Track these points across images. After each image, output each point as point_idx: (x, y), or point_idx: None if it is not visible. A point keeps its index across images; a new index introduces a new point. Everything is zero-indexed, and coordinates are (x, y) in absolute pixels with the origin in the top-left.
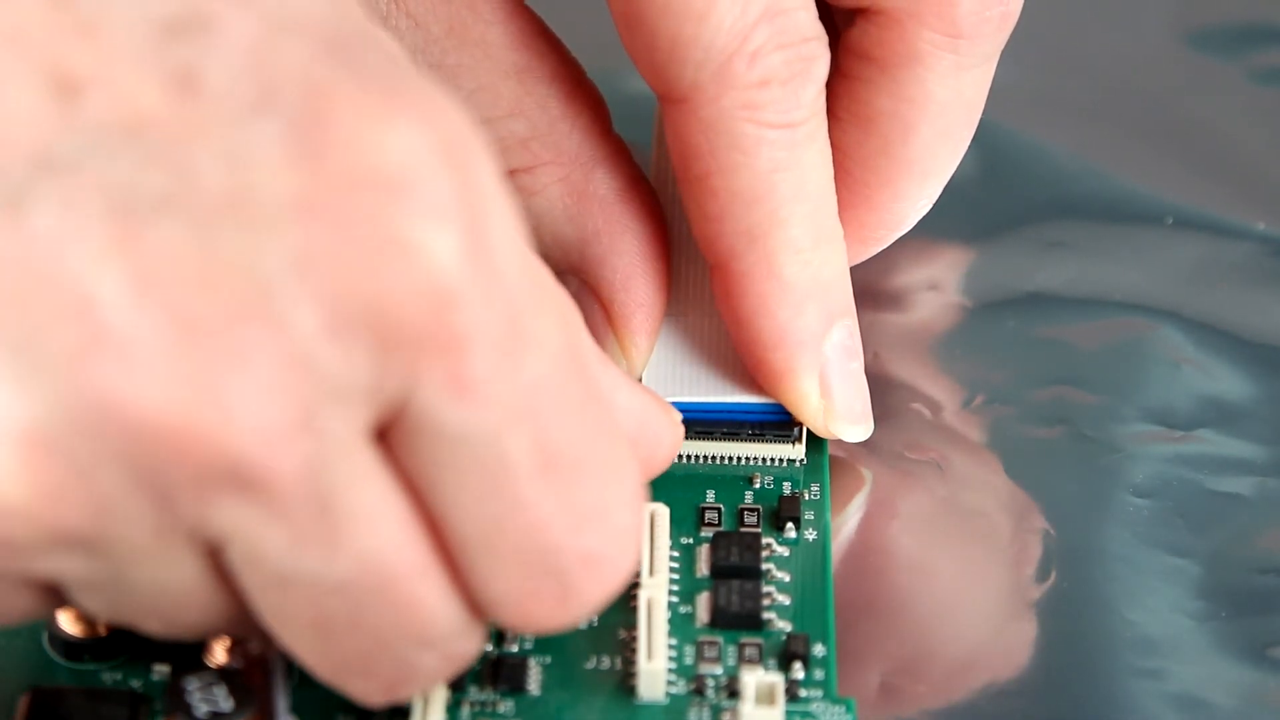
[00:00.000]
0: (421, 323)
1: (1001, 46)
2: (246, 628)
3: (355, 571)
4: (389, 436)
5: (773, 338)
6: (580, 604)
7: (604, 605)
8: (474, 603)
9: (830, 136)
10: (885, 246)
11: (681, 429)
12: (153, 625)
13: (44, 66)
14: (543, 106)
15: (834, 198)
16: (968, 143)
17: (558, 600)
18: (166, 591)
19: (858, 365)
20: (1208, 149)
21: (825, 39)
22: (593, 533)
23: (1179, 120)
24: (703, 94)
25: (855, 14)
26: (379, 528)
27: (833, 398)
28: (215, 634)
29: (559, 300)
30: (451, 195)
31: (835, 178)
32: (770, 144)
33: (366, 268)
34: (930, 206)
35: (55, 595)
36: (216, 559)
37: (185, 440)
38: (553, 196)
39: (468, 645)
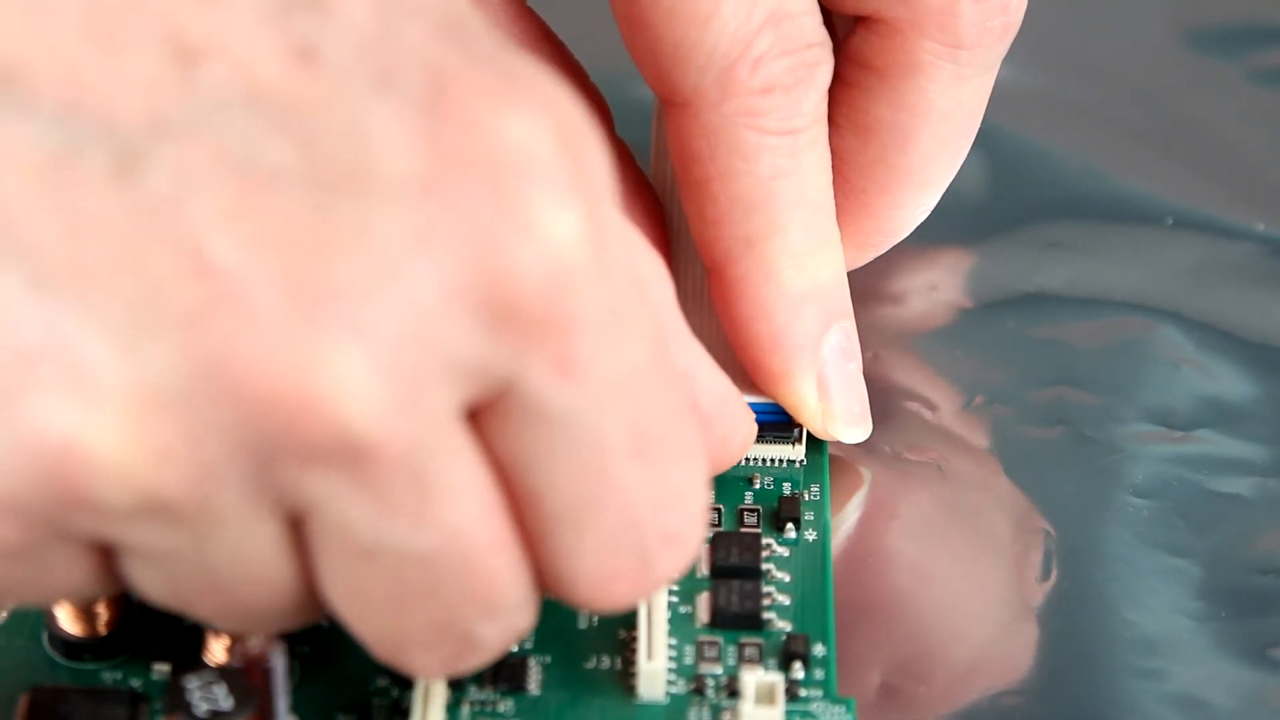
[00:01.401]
0: (539, 302)
1: (1002, 56)
2: (304, 608)
3: (439, 545)
4: (483, 411)
5: (770, 341)
6: (655, 582)
7: (673, 583)
8: (551, 579)
9: (829, 143)
10: (882, 253)
11: (754, 425)
12: (207, 606)
13: (164, 31)
14: None
15: (832, 203)
16: (967, 151)
17: (635, 578)
18: (237, 564)
19: (856, 367)
20: (1207, 149)
21: (829, 44)
22: (674, 513)
23: (1178, 120)
24: (705, 99)
25: (856, 22)
26: (466, 502)
27: (831, 400)
28: (271, 617)
29: (656, 280)
30: (570, 179)
31: (834, 184)
32: (771, 151)
33: (488, 246)
34: (928, 214)
35: (110, 572)
36: (296, 529)
37: (298, 410)
38: None
39: (526, 619)
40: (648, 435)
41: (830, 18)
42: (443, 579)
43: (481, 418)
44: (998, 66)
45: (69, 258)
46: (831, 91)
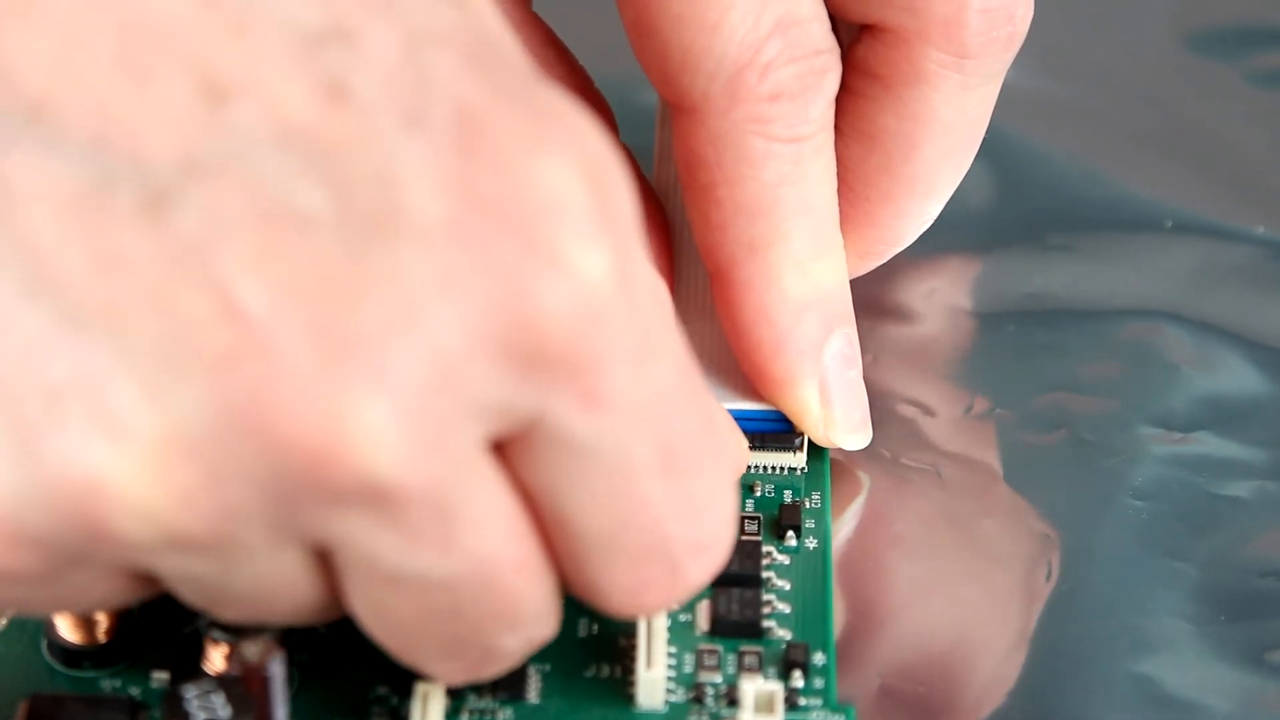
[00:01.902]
0: (566, 344)
1: (1008, 66)
2: (330, 611)
3: (464, 571)
4: (511, 442)
5: (773, 346)
6: (687, 589)
7: (705, 588)
8: (582, 591)
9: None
10: (883, 262)
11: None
12: (233, 613)
13: (194, 67)
14: None
15: (836, 210)
16: (970, 160)
17: (667, 586)
18: (263, 587)
19: (856, 374)
20: (1207, 152)
21: (837, 51)
22: (703, 522)
23: (1178, 124)
24: (713, 105)
25: (860, 30)
26: (490, 529)
27: (832, 406)
28: (297, 619)
29: (667, 299)
30: (599, 220)
31: (837, 191)
32: (778, 158)
33: (517, 289)
34: (930, 222)
35: (147, 583)
36: (322, 557)
37: (324, 458)
38: None
39: (549, 629)
40: (675, 452)
41: (835, 26)
42: (467, 600)
43: (509, 448)
44: (1002, 76)
45: (98, 295)
46: (836, 99)
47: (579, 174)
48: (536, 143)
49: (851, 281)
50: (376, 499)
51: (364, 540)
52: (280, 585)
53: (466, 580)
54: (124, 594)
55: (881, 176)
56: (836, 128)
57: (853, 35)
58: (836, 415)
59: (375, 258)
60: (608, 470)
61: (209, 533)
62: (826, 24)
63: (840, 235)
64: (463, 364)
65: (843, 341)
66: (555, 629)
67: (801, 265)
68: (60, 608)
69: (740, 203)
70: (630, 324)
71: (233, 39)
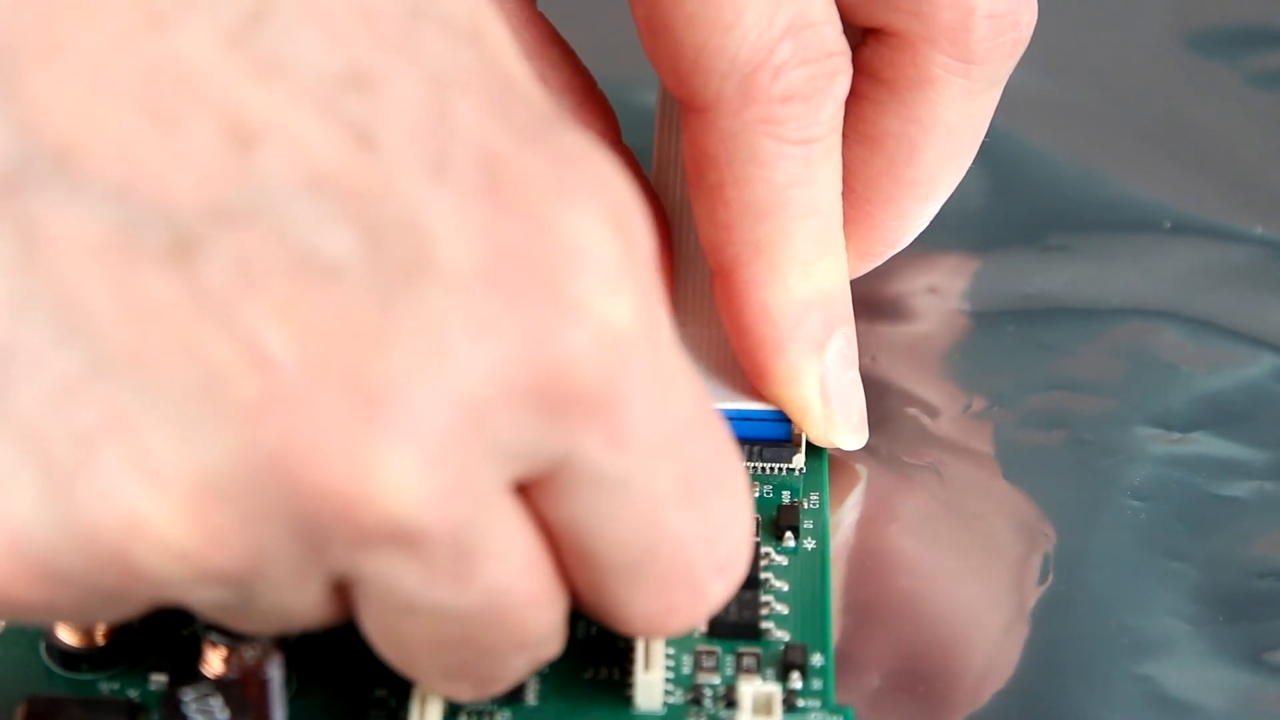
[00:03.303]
0: (591, 388)
1: (1011, 70)
2: (339, 623)
3: (481, 604)
4: (534, 483)
5: (775, 344)
6: (710, 607)
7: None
8: (604, 617)
9: None
10: (881, 263)
11: None
12: (249, 630)
13: (220, 111)
14: None
15: (840, 211)
16: (969, 163)
17: (691, 608)
18: (285, 612)
19: (855, 374)
20: (1206, 152)
21: (848, 53)
22: (724, 543)
23: (1177, 124)
24: (725, 105)
25: (866, 33)
26: (507, 565)
27: (831, 406)
28: (309, 629)
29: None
30: (623, 267)
31: None
32: (788, 159)
33: (543, 337)
34: (928, 223)
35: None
36: (341, 587)
37: (353, 505)
38: None
39: (555, 649)
40: (695, 480)
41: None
42: (478, 630)
43: (532, 487)
44: (1005, 80)
45: (128, 341)
46: None
47: (603, 221)
48: (561, 189)
49: (853, 281)
50: (402, 541)
51: (385, 578)
52: (300, 610)
53: (480, 613)
54: (142, 612)
55: (883, 179)
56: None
57: (857, 38)
58: (835, 415)
59: (403, 305)
60: (633, 504)
61: (238, 571)
62: (839, 26)
63: (843, 237)
64: (489, 410)
65: (843, 342)
66: (561, 648)
67: (806, 265)
68: (80, 624)
69: (748, 202)
70: (652, 364)
71: (258, 83)
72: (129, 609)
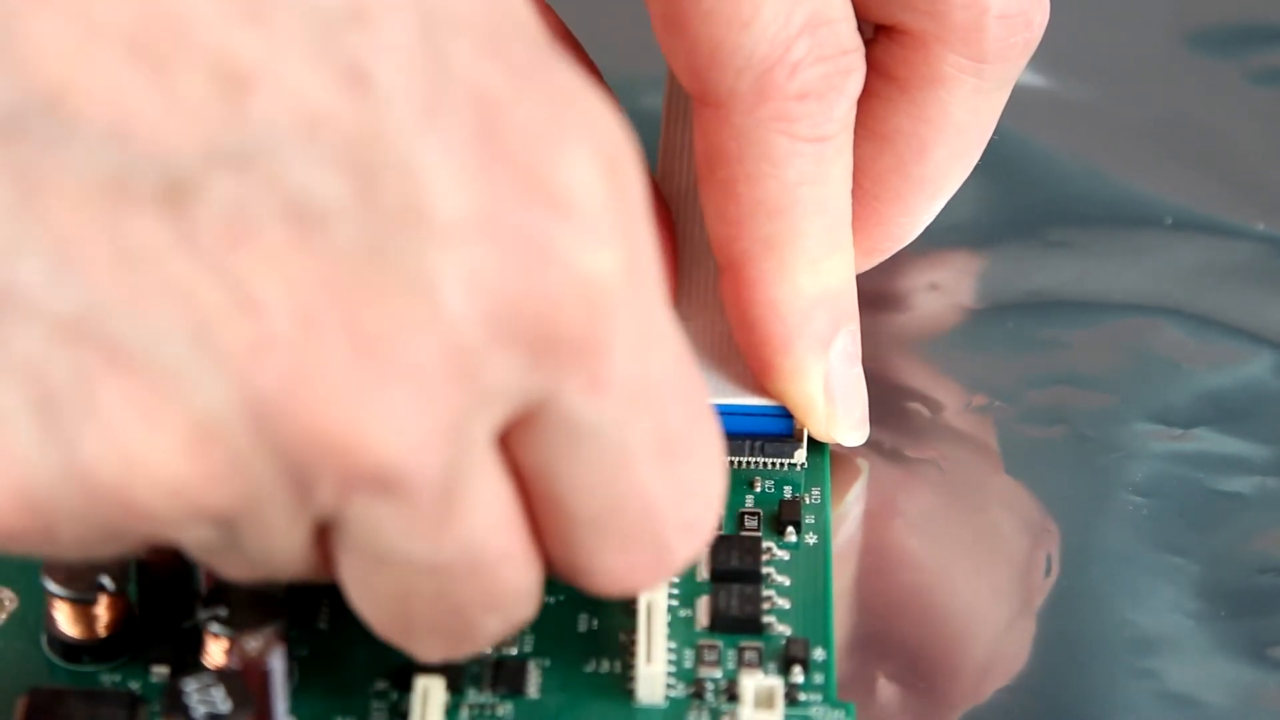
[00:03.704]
0: (577, 330)
1: (1020, 70)
2: (323, 575)
3: (455, 557)
4: (512, 430)
5: (783, 341)
6: (675, 567)
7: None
8: (569, 572)
9: None
10: (886, 259)
11: None
12: (233, 574)
13: (212, 54)
14: None
15: (850, 209)
16: (976, 161)
17: (655, 566)
18: (270, 555)
19: (858, 370)
20: (1207, 149)
21: (862, 51)
22: (693, 504)
23: (1178, 120)
24: (739, 102)
25: (877, 30)
26: (483, 518)
27: (834, 402)
28: (291, 576)
29: (665, 286)
30: (613, 214)
31: None
32: (801, 157)
33: (533, 285)
34: (932, 220)
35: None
36: (323, 531)
37: (343, 447)
38: None
39: (528, 611)
40: (670, 437)
41: None
42: (452, 585)
43: (509, 435)
44: (1014, 80)
45: (122, 285)
46: None
47: (595, 164)
48: (554, 132)
49: (857, 277)
50: (387, 485)
51: (368, 522)
52: (285, 554)
53: (453, 568)
54: (135, 549)
55: (892, 176)
56: None
57: (868, 34)
58: (838, 411)
59: (395, 252)
60: (606, 452)
61: (230, 509)
62: (854, 24)
63: (851, 234)
64: (482, 357)
65: (848, 339)
66: (535, 611)
67: (815, 263)
68: (76, 558)
69: (759, 199)
70: (637, 312)
71: (250, 25)
72: (124, 545)
